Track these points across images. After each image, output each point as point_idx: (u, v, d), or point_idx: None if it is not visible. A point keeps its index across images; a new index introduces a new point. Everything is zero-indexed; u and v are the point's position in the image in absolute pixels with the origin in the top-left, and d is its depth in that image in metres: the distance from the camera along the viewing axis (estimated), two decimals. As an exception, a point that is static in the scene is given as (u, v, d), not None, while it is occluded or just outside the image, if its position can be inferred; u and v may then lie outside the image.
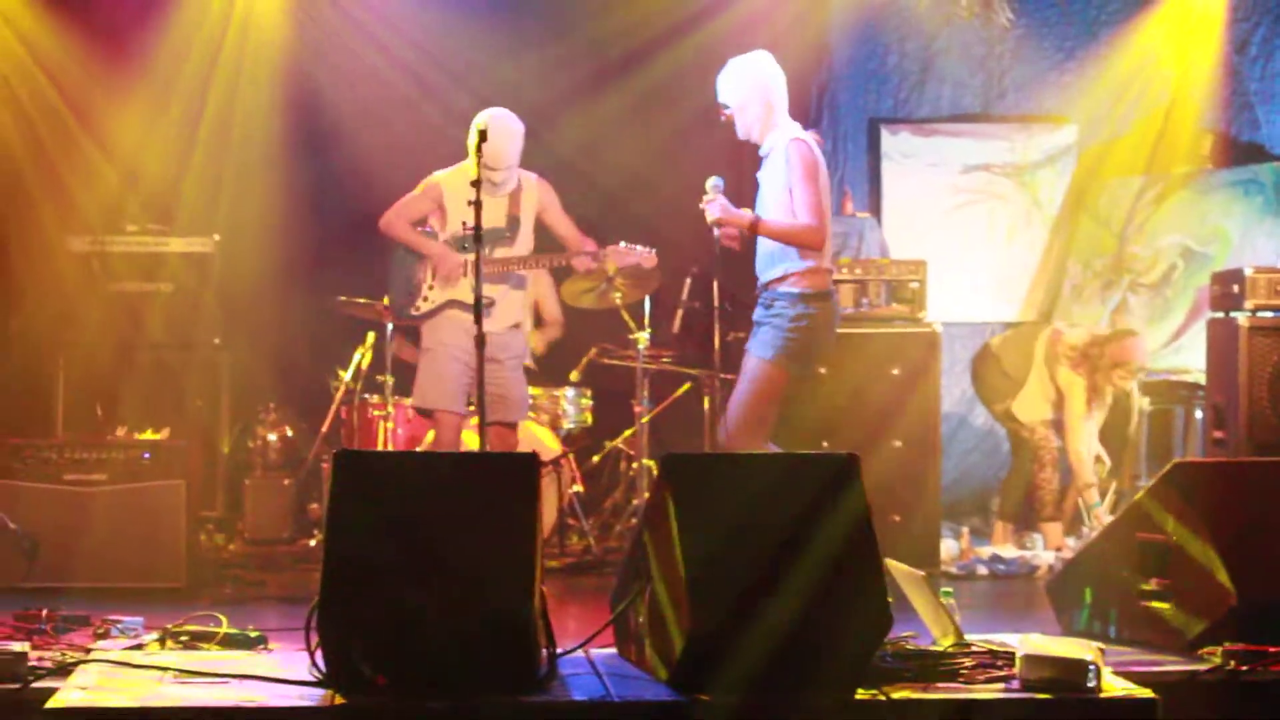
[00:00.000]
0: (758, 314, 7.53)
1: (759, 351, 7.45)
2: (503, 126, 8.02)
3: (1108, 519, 8.26)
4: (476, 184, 7.05)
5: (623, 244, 8.31)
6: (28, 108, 9.94)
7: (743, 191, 7.90)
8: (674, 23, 10.42)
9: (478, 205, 7.06)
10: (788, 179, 7.38)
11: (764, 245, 7.50)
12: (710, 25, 10.27)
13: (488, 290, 7.61)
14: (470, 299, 7.41)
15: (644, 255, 8.34)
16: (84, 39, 9.94)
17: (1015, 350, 9.48)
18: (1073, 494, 9.45)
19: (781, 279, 7.43)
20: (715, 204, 7.37)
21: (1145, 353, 9.40)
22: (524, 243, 8.25)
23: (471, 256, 7.52)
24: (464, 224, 7.19)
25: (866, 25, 10.77)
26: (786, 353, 7.42)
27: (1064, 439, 9.30)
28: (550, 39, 10.56)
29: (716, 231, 7.41)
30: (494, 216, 7.95)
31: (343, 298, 9.25)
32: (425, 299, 8.17)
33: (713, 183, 7.42)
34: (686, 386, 9.61)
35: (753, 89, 7.54)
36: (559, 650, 5.49)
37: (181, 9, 10.07)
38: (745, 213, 7.43)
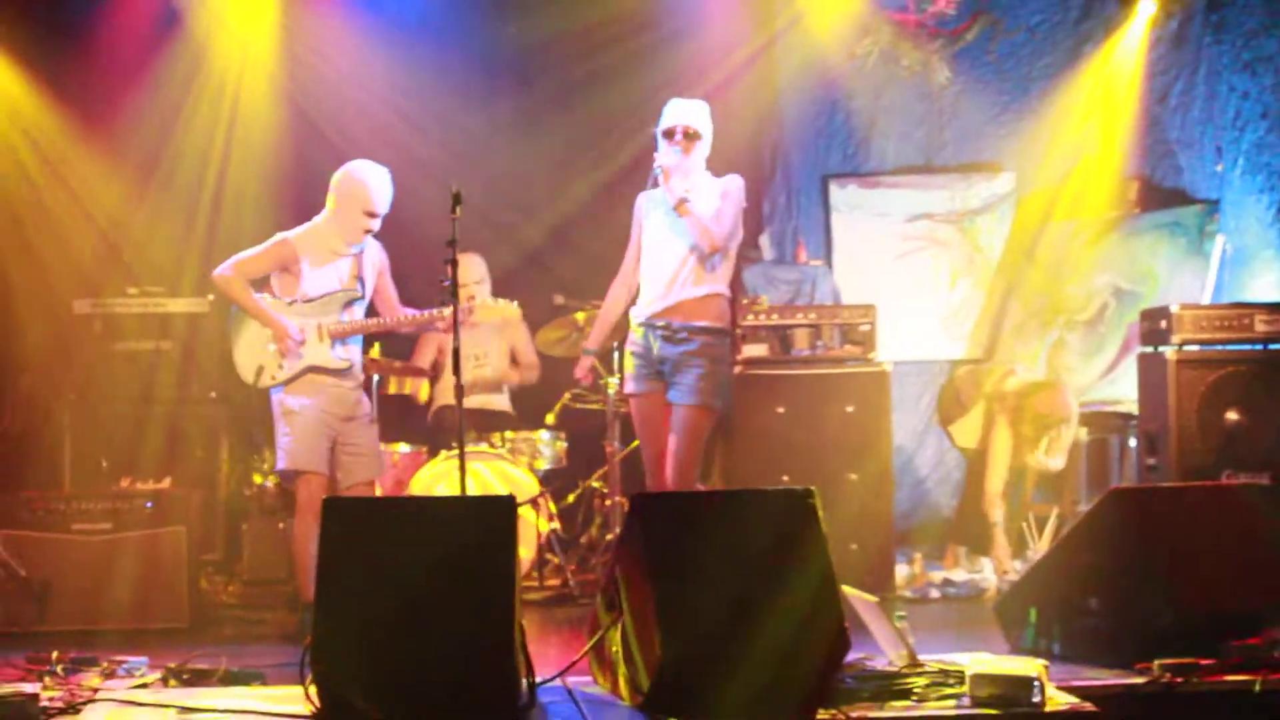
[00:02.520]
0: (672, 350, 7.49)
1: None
2: (385, 175, 7.74)
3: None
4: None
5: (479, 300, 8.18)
6: (30, 173, 9.94)
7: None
8: (621, 82, 10.43)
9: (453, 263, 7.07)
10: (720, 204, 7.41)
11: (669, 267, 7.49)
12: (660, 89, 10.32)
13: (341, 352, 7.65)
14: (329, 364, 7.54)
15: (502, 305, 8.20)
16: (77, 103, 9.93)
17: (971, 383, 9.63)
18: (1018, 517, 9.49)
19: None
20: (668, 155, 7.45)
21: (1065, 405, 9.35)
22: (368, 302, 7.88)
23: (314, 321, 7.61)
24: (441, 280, 7.15)
25: (815, 86, 10.77)
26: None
27: (984, 470, 9.34)
28: (500, 90, 10.61)
29: (661, 179, 7.41)
30: (342, 277, 7.71)
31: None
32: (281, 367, 7.64)
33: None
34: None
35: (710, 129, 7.59)
36: (539, 680, 5.48)
37: (172, 72, 10.08)
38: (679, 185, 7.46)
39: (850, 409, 8.78)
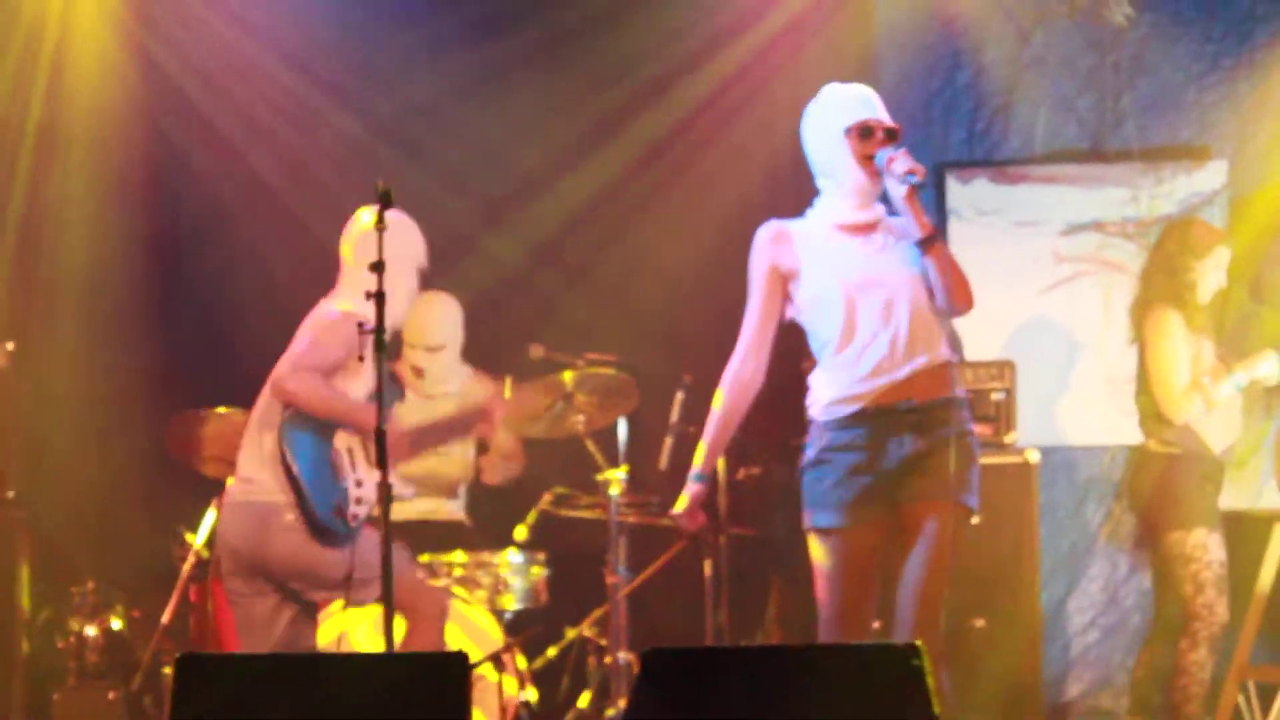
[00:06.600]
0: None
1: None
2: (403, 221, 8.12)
3: None
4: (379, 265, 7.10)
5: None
6: None
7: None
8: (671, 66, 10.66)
9: (379, 296, 7.12)
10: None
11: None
12: (701, 40, 10.42)
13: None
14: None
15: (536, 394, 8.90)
16: None
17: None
18: (1231, 686, 9.45)
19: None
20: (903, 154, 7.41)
21: (1209, 229, 9.63)
22: None
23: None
24: (360, 325, 7.24)
25: (929, 32, 10.78)
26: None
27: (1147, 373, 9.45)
28: (459, 40, 10.78)
29: (903, 186, 7.36)
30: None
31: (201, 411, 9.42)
32: (359, 500, 7.95)
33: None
34: (679, 546, 9.63)
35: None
36: None
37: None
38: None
39: (975, 519, 8.80)
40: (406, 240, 8.06)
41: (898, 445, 7.34)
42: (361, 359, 7.38)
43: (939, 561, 7.31)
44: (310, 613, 8.06)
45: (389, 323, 7.47)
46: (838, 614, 7.42)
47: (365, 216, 7.95)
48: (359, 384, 7.89)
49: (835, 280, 7.44)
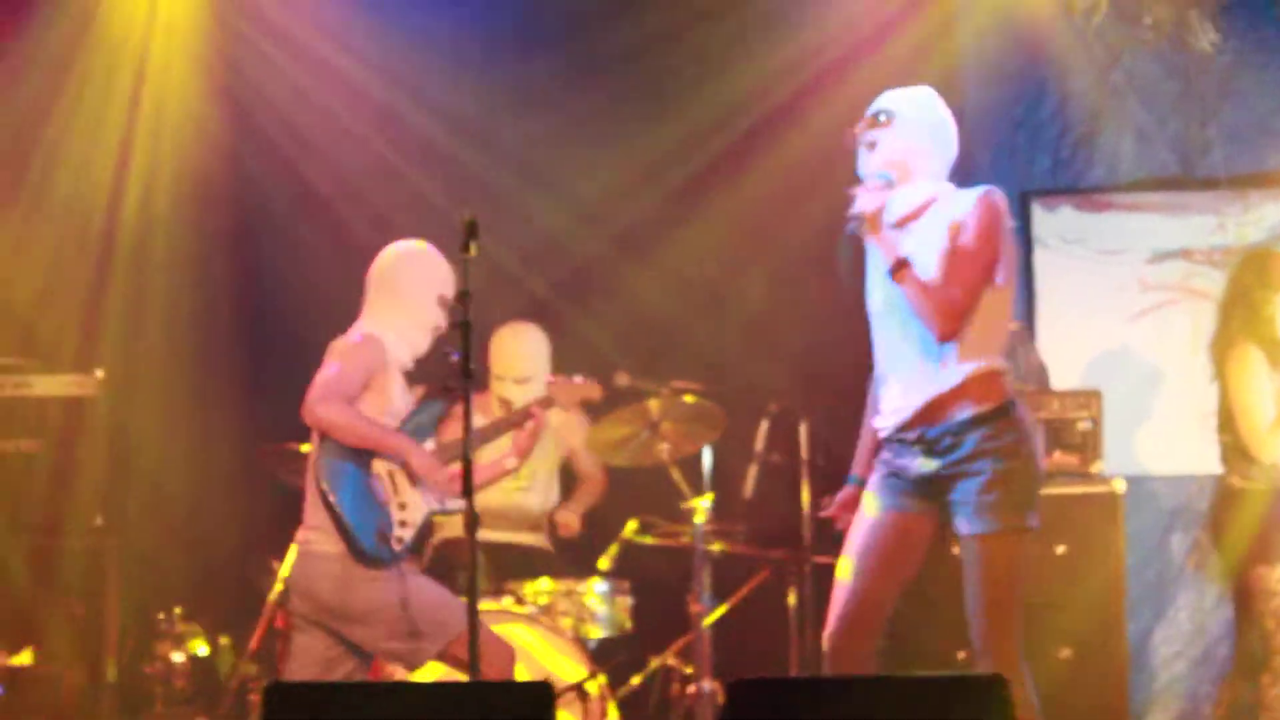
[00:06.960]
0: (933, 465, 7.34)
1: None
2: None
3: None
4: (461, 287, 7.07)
5: (578, 378, 8.57)
6: None
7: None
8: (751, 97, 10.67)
9: (464, 327, 7.09)
10: (961, 243, 7.09)
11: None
12: (775, 58, 10.44)
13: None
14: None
15: (586, 386, 8.58)
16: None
17: None
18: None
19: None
20: (871, 195, 7.19)
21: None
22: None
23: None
24: (448, 353, 7.21)
25: (1012, 58, 10.74)
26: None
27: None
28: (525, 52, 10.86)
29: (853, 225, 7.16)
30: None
31: (269, 446, 9.34)
32: (403, 523, 7.86)
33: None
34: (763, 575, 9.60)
35: (941, 120, 7.41)
36: None
37: (43, 47, 10.32)
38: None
39: (1061, 549, 8.74)
40: (427, 269, 7.96)
41: (914, 469, 7.16)
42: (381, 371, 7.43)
43: (990, 590, 7.05)
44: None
45: (411, 352, 7.88)
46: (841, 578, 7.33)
47: (392, 249, 8.01)
48: (387, 405, 7.85)
49: (871, 290, 7.37)
